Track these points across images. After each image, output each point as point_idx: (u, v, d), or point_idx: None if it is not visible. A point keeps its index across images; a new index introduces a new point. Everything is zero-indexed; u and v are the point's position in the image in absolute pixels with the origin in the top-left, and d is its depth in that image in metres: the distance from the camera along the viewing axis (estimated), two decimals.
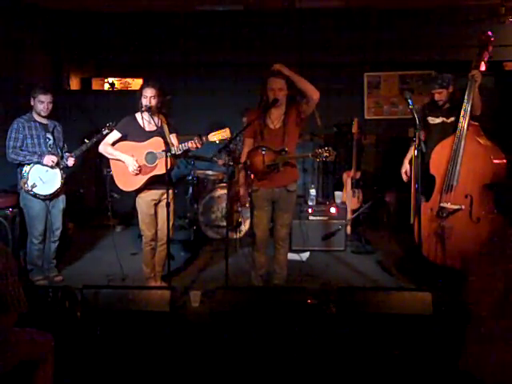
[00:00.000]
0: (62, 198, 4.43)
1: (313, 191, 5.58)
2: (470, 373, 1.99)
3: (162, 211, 3.93)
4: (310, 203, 5.49)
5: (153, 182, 3.91)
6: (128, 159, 3.86)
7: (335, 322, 3.11)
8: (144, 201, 3.98)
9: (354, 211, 5.70)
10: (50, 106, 4.27)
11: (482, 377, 1.95)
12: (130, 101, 4.00)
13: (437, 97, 4.08)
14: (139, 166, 3.86)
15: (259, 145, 3.72)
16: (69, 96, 6.54)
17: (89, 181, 6.37)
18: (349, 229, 5.64)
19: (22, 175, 4.20)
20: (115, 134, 3.97)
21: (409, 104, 3.55)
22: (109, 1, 5.83)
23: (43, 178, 4.24)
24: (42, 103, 4.22)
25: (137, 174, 3.88)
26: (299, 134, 3.88)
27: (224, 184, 5.56)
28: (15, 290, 2.19)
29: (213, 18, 6.22)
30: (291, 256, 4.79)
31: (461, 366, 2.04)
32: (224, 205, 5.42)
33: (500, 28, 5.75)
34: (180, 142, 3.92)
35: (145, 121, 3.92)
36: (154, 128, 3.87)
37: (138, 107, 3.89)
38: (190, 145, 3.81)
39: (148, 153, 3.86)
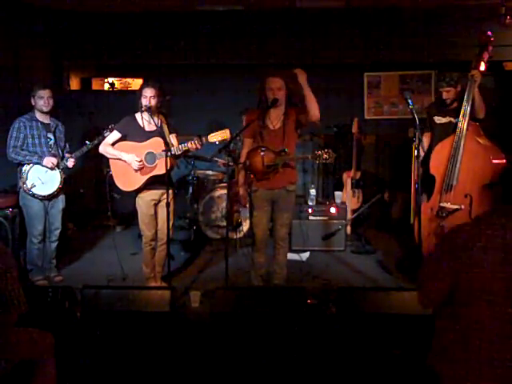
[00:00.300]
0: (62, 198, 4.43)
1: (313, 191, 5.59)
2: (433, 369, 2.02)
3: (162, 211, 3.93)
4: (310, 203, 5.49)
5: (153, 182, 3.91)
6: (129, 157, 3.86)
7: (335, 322, 3.11)
8: (144, 201, 3.98)
9: (353, 211, 5.70)
10: (51, 101, 4.27)
11: (441, 373, 1.97)
12: (130, 101, 4.00)
13: (445, 95, 4.05)
14: (141, 160, 3.85)
15: (259, 145, 3.72)
16: (69, 96, 6.53)
17: (89, 181, 6.37)
18: (349, 229, 5.64)
19: (21, 175, 4.20)
20: (115, 134, 3.97)
21: (409, 104, 3.55)
22: (109, 1, 5.83)
23: (42, 178, 4.24)
24: (42, 98, 4.21)
25: (136, 173, 3.88)
26: (299, 133, 3.88)
27: (224, 184, 5.56)
28: (15, 290, 2.19)
29: (213, 18, 6.22)
30: (291, 256, 4.79)
31: (428, 362, 2.07)
32: (224, 205, 5.42)
33: (500, 28, 5.74)
34: (180, 143, 3.92)
35: (145, 121, 3.92)
36: (154, 128, 3.87)
37: (137, 107, 3.89)
38: (190, 145, 3.81)
39: (147, 153, 3.87)
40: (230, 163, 3.83)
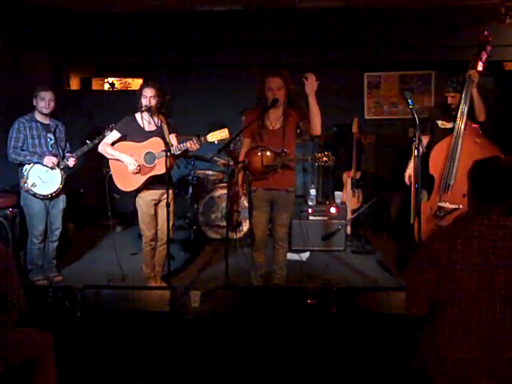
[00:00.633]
0: (63, 198, 4.43)
1: (313, 191, 5.59)
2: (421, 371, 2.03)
3: (162, 211, 3.93)
4: (310, 203, 5.49)
5: (152, 182, 3.91)
6: (127, 159, 3.86)
7: (335, 322, 3.11)
8: (144, 201, 3.98)
9: (353, 211, 5.70)
10: (52, 103, 4.26)
11: (429, 374, 1.98)
12: (130, 101, 4.00)
13: (450, 100, 3.99)
14: (139, 166, 3.86)
15: (259, 145, 3.71)
16: (69, 96, 6.53)
17: (89, 181, 6.37)
18: (349, 229, 5.64)
19: (21, 174, 4.20)
20: (115, 134, 3.97)
21: (409, 104, 3.54)
22: (109, 1, 5.83)
23: (43, 177, 4.24)
24: (43, 100, 4.22)
25: (136, 173, 3.88)
26: (298, 133, 3.88)
27: (224, 184, 5.56)
28: (15, 290, 2.19)
29: (213, 18, 6.22)
30: (291, 256, 4.79)
31: (415, 364, 2.08)
32: (224, 205, 5.42)
33: (500, 28, 5.74)
34: (179, 142, 3.92)
35: (144, 121, 3.92)
36: (154, 128, 3.87)
37: (137, 107, 3.89)
38: (189, 145, 3.81)
39: (147, 153, 3.86)
40: (230, 163, 3.82)
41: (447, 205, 3.91)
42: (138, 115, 3.95)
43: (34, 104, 4.26)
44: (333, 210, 5.37)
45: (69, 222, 5.53)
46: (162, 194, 3.95)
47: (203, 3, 5.97)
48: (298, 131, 3.86)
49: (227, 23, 6.23)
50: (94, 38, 6.40)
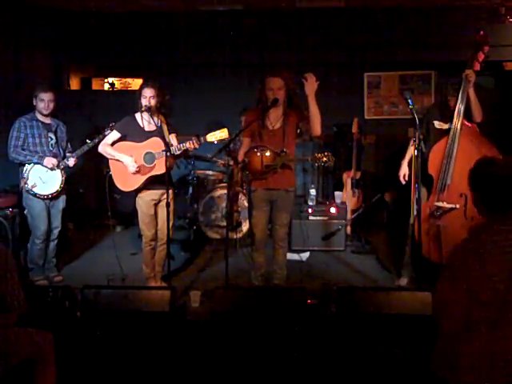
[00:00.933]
0: (63, 198, 4.43)
1: (313, 191, 5.58)
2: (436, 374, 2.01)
3: (162, 211, 3.93)
4: (310, 203, 5.49)
5: (152, 182, 3.91)
6: (127, 159, 3.86)
7: (335, 322, 3.11)
8: (144, 201, 3.98)
9: (353, 211, 5.69)
10: (51, 104, 4.27)
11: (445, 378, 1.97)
12: (130, 101, 4.00)
13: (452, 103, 3.97)
14: (138, 166, 3.86)
15: (259, 144, 3.71)
16: (69, 96, 6.54)
17: (89, 181, 6.37)
18: (349, 229, 5.64)
19: (22, 175, 4.20)
20: (114, 134, 3.97)
21: (409, 104, 3.55)
22: (109, 1, 5.83)
23: (43, 178, 4.24)
24: (43, 101, 4.22)
25: (135, 174, 3.88)
26: (298, 133, 3.88)
27: (224, 184, 5.56)
28: (15, 290, 2.20)
29: (213, 18, 6.22)
30: (291, 256, 4.79)
31: (431, 367, 2.06)
32: (224, 205, 5.42)
33: (500, 28, 5.75)
34: (179, 142, 3.92)
35: (144, 121, 3.92)
36: (154, 128, 3.87)
37: (137, 107, 3.89)
38: (188, 145, 3.81)
39: (146, 153, 3.87)
40: (230, 163, 3.82)
41: (444, 204, 3.91)
42: (137, 115, 3.95)
43: (34, 104, 4.27)
44: (333, 209, 5.37)
45: (69, 222, 5.54)
46: (162, 194, 3.95)
47: (203, 3, 5.96)
48: (298, 131, 3.86)
49: (227, 23, 6.23)
50: (94, 38, 6.40)
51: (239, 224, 5.43)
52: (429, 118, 4.14)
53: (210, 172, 5.89)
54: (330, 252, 5.22)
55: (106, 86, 7.02)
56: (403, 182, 4.32)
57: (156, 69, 6.37)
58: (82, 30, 6.36)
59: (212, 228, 5.57)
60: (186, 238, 5.60)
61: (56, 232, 4.44)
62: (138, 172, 3.87)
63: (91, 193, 6.39)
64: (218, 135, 3.81)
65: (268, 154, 3.65)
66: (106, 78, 7.03)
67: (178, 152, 3.85)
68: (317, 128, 3.62)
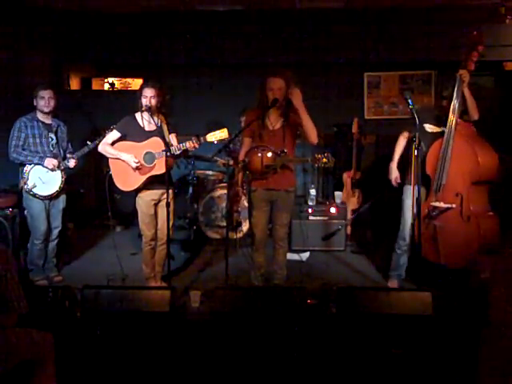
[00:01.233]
0: (63, 198, 4.43)
1: (313, 191, 5.58)
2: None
3: (162, 211, 3.93)
4: (310, 203, 5.49)
5: (152, 182, 3.91)
6: (127, 157, 3.86)
7: (335, 322, 3.11)
8: (144, 201, 3.98)
9: (353, 211, 5.69)
10: (52, 101, 4.27)
11: None
12: (130, 101, 4.00)
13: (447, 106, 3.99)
14: (139, 161, 3.85)
15: (260, 144, 3.72)
16: (69, 96, 6.53)
17: (89, 181, 6.37)
18: (349, 229, 5.64)
19: (22, 175, 4.20)
20: (115, 134, 3.98)
21: (409, 104, 3.55)
22: (109, 1, 5.83)
23: (43, 178, 4.24)
24: (43, 99, 4.22)
25: (135, 173, 3.87)
26: (298, 134, 3.88)
27: (224, 184, 5.56)
28: (15, 290, 2.20)
29: (213, 18, 6.22)
30: (291, 256, 4.79)
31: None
32: (224, 205, 5.42)
33: (500, 28, 5.74)
34: (179, 142, 3.92)
35: (144, 121, 3.92)
36: (154, 128, 3.87)
37: (137, 107, 3.89)
38: (188, 145, 3.81)
39: (146, 153, 3.87)
40: (230, 163, 3.82)
41: (441, 204, 3.92)
42: (137, 115, 3.95)
43: (35, 104, 4.27)
44: (333, 210, 5.37)
45: (69, 222, 5.53)
46: (162, 194, 3.95)
47: (203, 3, 5.96)
48: (298, 132, 3.86)
49: (227, 23, 6.23)
50: (94, 38, 6.40)
51: (239, 224, 5.43)
52: (420, 119, 4.12)
53: (210, 172, 5.90)
54: (330, 252, 5.22)
55: (106, 86, 7.02)
56: (395, 185, 4.33)
57: (156, 69, 6.37)
58: (81, 30, 6.36)
59: (212, 228, 5.57)
60: (186, 238, 5.60)
61: (56, 232, 4.45)
62: (138, 170, 3.87)
63: (91, 193, 6.39)
64: (217, 135, 3.81)
65: (268, 154, 3.65)
66: (106, 78, 7.02)
67: (178, 152, 3.85)
68: (312, 138, 3.64)
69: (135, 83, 6.89)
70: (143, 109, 3.83)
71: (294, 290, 3.46)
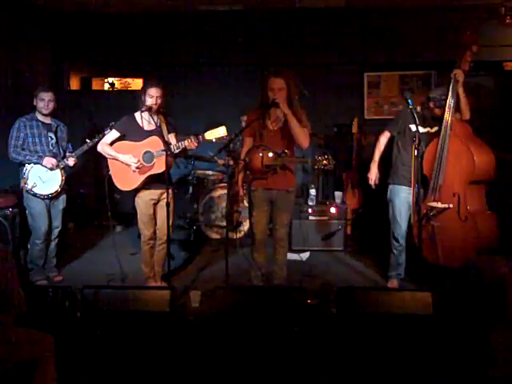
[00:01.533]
0: (63, 197, 4.43)
1: (313, 191, 5.58)
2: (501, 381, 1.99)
3: (162, 211, 3.93)
4: (310, 203, 5.49)
5: (151, 182, 3.91)
6: (125, 158, 3.86)
7: (335, 322, 3.11)
8: (143, 200, 3.98)
9: (354, 211, 5.70)
10: (51, 104, 4.27)
11: None
12: (130, 101, 4.01)
13: (438, 112, 3.96)
14: (139, 161, 3.85)
15: (261, 144, 3.71)
16: (69, 96, 6.54)
17: (89, 181, 6.37)
18: (349, 229, 5.64)
19: (22, 175, 4.20)
20: (114, 134, 3.97)
21: (409, 104, 3.55)
22: (109, 1, 5.83)
23: (43, 177, 4.24)
24: (43, 101, 4.23)
25: (134, 172, 3.87)
26: None
27: (224, 184, 5.56)
28: (15, 290, 2.19)
29: (213, 18, 6.22)
30: (291, 256, 4.79)
31: (492, 374, 2.03)
32: (224, 205, 5.42)
33: (500, 28, 5.75)
34: (177, 141, 3.92)
35: (144, 120, 3.92)
36: (153, 127, 3.87)
37: (139, 106, 3.88)
38: (187, 143, 3.81)
39: (145, 152, 3.86)
40: (230, 163, 3.82)
41: (438, 204, 3.92)
42: (137, 114, 3.95)
43: (35, 104, 4.27)
44: (333, 210, 5.37)
45: (69, 222, 5.54)
46: (161, 194, 3.95)
47: (203, 3, 5.97)
48: None
49: (227, 23, 6.23)
50: (94, 38, 6.40)
51: (239, 224, 5.43)
52: (404, 121, 4.13)
53: (210, 172, 5.89)
54: (330, 252, 5.22)
55: (106, 86, 7.03)
56: (373, 186, 4.33)
57: (156, 69, 6.37)
58: (81, 30, 6.37)
59: (212, 228, 5.57)
60: (186, 237, 5.60)
61: (56, 232, 4.45)
62: (137, 170, 3.87)
63: (91, 193, 6.39)
64: (215, 133, 3.80)
65: (268, 153, 3.65)
66: (106, 78, 7.03)
67: (177, 151, 3.84)
68: (301, 142, 3.64)
69: (135, 83, 6.90)
70: (144, 108, 3.83)
71: (293, 290, 3.46)
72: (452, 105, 3.84)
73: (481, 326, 2.34)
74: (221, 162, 5.57)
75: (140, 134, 3.90)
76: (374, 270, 4.75)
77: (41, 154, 4.22)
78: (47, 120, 4.34)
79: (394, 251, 4.22)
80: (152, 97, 3.81)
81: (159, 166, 3.79)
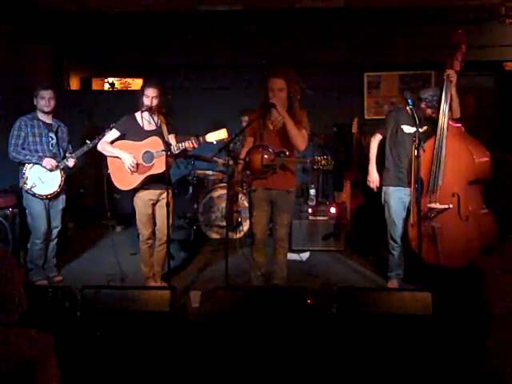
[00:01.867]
0: (62, 198, 4.43)
1: (313, 191, 5.59)
2: (493, 372, 1.99)
3: (161, 211, 3.93)
4: (310, 203, 5.49)
5: (150, 182, 3.91)
6: (125, 155, 3.86)
7: (335, 322, 3.11)
8: (141, 200, 3.98)
9: (353, 211, 5.69)
10: (52, 101, 4.27)
11: (502, 376, 1.95)
12: (130, 101, 4.00)
13: (429, 112, 3.96)
14: (136, 163, 3.85)
15: (261, 143, 3.72)
16: (69, 96, 6.53)
17: (89, 181, 6.38)
18: (349, 229, 5.64)
19: (22, 175, 4.20)
20: (114, 133, 3.97)
21: (409, 104, 3.55)
22: (108, 1, 5.83)
23: (43, 178, 4.24)
24: (44, 99, 4.23)
25: (133, 173, 3.87)
26: None
27: (224, 184, 5.56)
28: (16, 289, 2.19)
29: (213, 18, 6.22)
30: (291, 256, 4.79)
31: (484, 366, 2.03)
32: (224, 205, 5.42)
33: (500, 28, 5.75)
34: (178, 142, 3.92)
35: (144, 120, 3.92)
36: (154, 128, 3.87)
37: (138, 106, 3.88)
38: (187, 145, 3.81)
39: (145, 152, 3.86)
40: (230, 163, 3.82)
41: (437, 205, 3.92)
42: (137, 114, 3.95)
43: (35, 103, 4.27)
44: (333, 210, 5.37)
45: (69, 222, 5.54)
46: (160, 194, 3.95)
47: (204, 3, 5.97)
48: None
49: (227, 23, 6.23)
50: (94, 38, 6.40)
51: (239, 224, 5.43)
52: (396, 121, 4.12)
53: (210, 172, 5.90)
54: (329, 252, 5.22)
55: (106, 86, 7.03)
56: (375, 190, 4.33)
57: (156, 69, 6.37)
58: (81, 30, 6.37)
59: (212, 228, 5.57)
60: (186, 237, 5.61)
61: (56, 232, 4.45)
62: (135, 169, 3.86)
63: (91, 193, 6.40)
64: (217, 135, 3.81)
65: (268, 153, 3.65)
66: (106, 78, 7.03)
67: (177, 151, 3.84)
68: (298, 144, 3.63)
69: (135, 83, 6.90)
70: (144, 109, 3.83)
71: (293, 290, 3.46)
72: (446, 107, 3.83)
73: (479, 326, 2.34)
74: (221, 161, 5.57)
75: (140, 134, 3.90)
76: (373, 270, 4.75)
77: (41, 154, 4.23)
78: (48, 120, 4.34)
79: (393, 252, 4.23)
80: (148, 97, 3.81)
81: (159, 167, 3.79)
